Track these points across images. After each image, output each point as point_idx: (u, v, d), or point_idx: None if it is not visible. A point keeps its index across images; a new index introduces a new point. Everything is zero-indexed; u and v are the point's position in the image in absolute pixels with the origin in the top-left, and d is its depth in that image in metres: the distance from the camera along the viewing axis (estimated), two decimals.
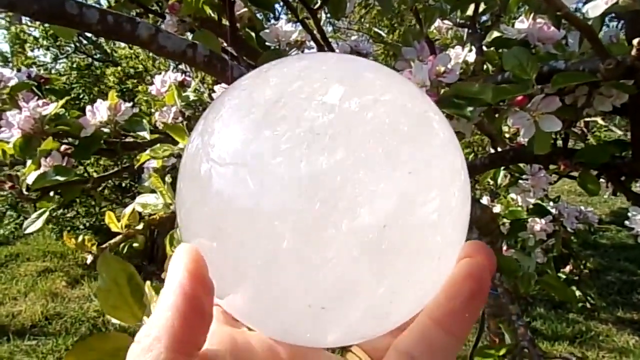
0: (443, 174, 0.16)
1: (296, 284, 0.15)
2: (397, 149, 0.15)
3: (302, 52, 0.72)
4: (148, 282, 0.29)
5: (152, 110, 1.08)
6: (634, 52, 0.37)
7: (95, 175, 0.85)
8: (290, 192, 0.14)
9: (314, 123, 0.15)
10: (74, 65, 2.70)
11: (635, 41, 0.36)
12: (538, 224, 1.01)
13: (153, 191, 0.57)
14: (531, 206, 1.03)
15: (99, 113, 0.77)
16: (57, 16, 0.42)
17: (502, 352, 0.51)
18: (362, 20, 3.05)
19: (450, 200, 0.16)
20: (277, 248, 0.14)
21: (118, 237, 0.51)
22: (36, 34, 2.78)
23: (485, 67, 0.70)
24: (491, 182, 1.15)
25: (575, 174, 0.73)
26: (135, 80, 2.55)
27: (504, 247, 1.06)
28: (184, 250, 0.16)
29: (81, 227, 2.73)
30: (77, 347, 0.24)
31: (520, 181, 0.94)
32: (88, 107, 0.77)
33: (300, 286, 0.15)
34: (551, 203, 1.11)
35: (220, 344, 0.17)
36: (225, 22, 0.66)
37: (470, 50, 0.65)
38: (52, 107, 0.72)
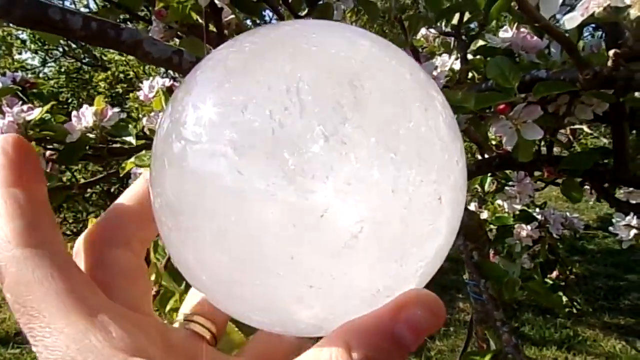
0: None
1: (277, 266, 0.14)
2: (387, 120, 0.14)
3: None
4: None
5: (141, 115, 1.07)
6: (610, 62, 0.38)
7: (83, 181, 0.84)
8: (271, 168, 0.13)
9: (296, 90, 0.14)
10: (62, 70, 2.68)
11: (610, 52, 0.37)
12: (524, 230, 1.02)
13: None
14: (517, 212, 1.04)
15: (84, 118, 0.76)
16: (41, 22, 0.41)
17: (487, 358, 0.52)
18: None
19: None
20: (258, 228, 0.14)
21: None
22: (24, 37, 2.76)
23: (472, 75, 0.71)
24: (479, 189, 1.16)
25: (559, 180, 0.74)
26: (125, 85, 2.53)
27: (491, 253, 1.07)
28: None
29: (68, 233, 2.69)
30: None
31: (506, 188, 0.95)
32: (74, 113, 0.76)
33: (282, 269, 0.14)
34: (537, 209, 1.12)
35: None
36: (213, 28, 0.66)
37: (457, 59, 0.66)
38: (37, 112, 0.72)
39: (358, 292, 0.15)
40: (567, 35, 0.38)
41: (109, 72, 2.49)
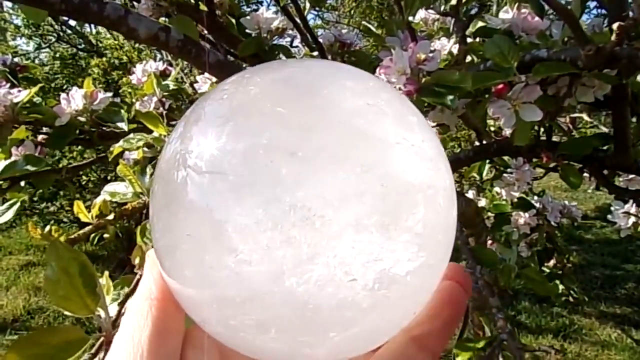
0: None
1: (269, 301, 0.14)
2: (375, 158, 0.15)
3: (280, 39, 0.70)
4: (106, 272, 0.27)
5: (134, 100, 1.05)
6: (613, 37, 0.36)
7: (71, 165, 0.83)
8: (267, 207, 0.14)
9: (293, 136, 0.14)
10: (57, 55, 2.64)
11: (614, 25, 0.35)
12: (522, 218, 1.01)
13: None
14: (515, 200, 1.03)
15: (74, 101, 0.75)
16: None
17: (481, 344, 0.51)
18: (352, 13, 3.03)
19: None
20: (247, 261, 0.14)
21: (88, 228, 0.49)
22: (18, 22, 2.71)
23: (471, 58, 0.69)
24: (477, 177, 1.14)
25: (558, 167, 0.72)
26: (120, 72, 2.50)
27: (489, 241, 1.06)
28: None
29: (65, 220, 2.68)
30: (20, 342, 0.22)
31: (504, 175, 0.94)
32: (63, 95, 0.74)
33: (274, 302, 0.14)
34: (536, 197, 1.10)
35: None
36: (203, 7, 0.64)
37: (456, 42, 0.64)
38: (24, 95, 0.70)
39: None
40: (569, 8, 0.36)
41: (104, 59, 2.45)
